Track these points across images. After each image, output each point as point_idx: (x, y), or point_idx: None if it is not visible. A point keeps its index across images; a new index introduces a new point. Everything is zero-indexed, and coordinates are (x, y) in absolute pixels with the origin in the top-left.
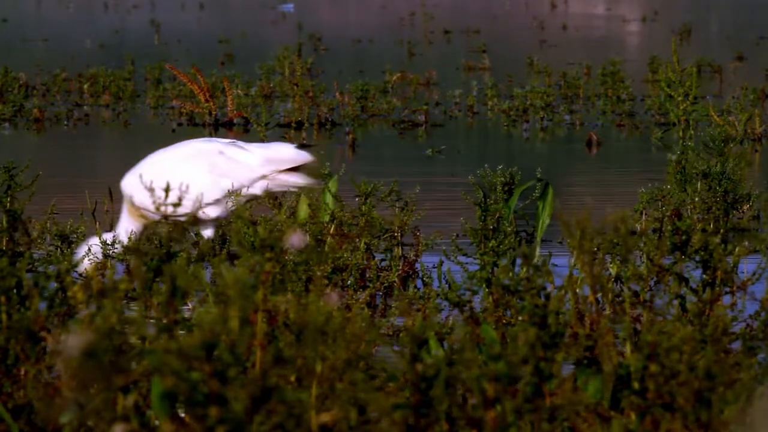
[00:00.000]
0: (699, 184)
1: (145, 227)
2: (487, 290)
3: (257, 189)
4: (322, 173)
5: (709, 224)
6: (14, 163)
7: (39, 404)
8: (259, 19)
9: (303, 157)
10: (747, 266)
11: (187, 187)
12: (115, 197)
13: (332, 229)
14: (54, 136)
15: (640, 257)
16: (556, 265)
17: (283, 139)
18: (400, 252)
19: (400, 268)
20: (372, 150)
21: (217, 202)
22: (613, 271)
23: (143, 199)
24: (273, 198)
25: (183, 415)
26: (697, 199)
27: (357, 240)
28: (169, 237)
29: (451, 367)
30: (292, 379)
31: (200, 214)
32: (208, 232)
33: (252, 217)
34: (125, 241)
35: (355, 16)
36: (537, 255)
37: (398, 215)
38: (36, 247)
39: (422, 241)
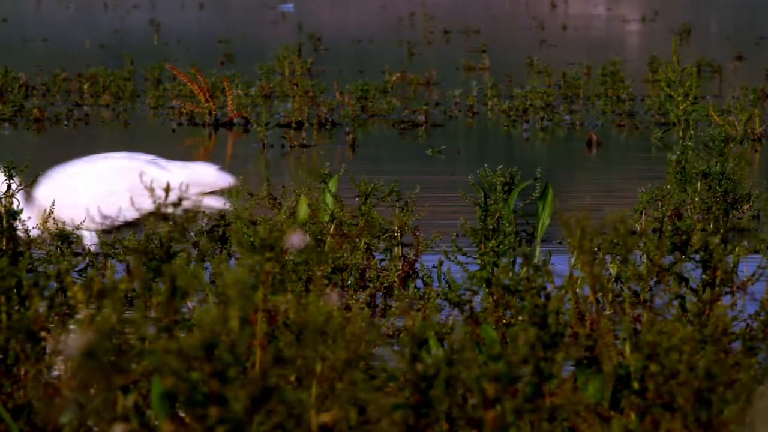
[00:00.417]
0: (699, 184)
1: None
2: (487, 290)
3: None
4: (322, 173)
5: (709, 224)
6: (14, 163)
7: (39, 404)
8: (259, 19)
9: (224, 180)
10: (747, 266)
11: (105, 206)
12: None
13: (332, 229)
14: (54, 136)
15: (640, 257)
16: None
17: (283, 138)
18: (400, 252)
19: (400, 268)
20: (372, 150)
21: (130, 221)
22: (613, 271)
23: (60, 214)
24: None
25: (183, 415)
26: (697, 199)
27: (357, 240)
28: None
29: (451, 367)
30: (292, 379)
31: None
32: (92, 242)
33: (252, 217)
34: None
35: (355, 16)
36: (537, 255)
37: (398, 215)
38: (36, 247)
39: (422, 241)
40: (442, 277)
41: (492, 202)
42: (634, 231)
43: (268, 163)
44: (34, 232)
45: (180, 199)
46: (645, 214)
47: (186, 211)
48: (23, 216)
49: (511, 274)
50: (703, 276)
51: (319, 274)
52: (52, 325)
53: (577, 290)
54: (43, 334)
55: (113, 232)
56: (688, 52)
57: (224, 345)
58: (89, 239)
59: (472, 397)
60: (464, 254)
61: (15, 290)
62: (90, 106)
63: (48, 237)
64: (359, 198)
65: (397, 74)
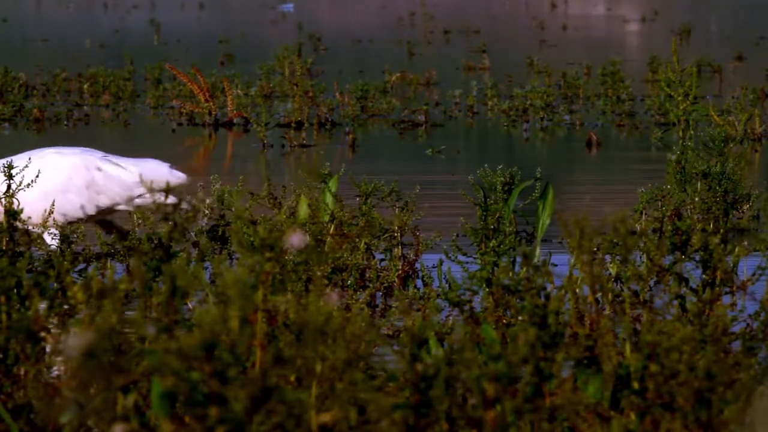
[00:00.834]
0: (699, 184)
1: None
2: (487, 290)
3: (126, 206)
4: (322, 173)
5: (709, 224)
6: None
7: (39, 404)
8: (259, 19)
9: (176, 177)
10: (747, 266)
11: (62, 201)
12: None
13: (332, 229)
14: (54, 136)
15: (640, 257)
16: (555, 265)
17: (283, 138)
18: (400, 252)
19: (400, 268)
20: (372, 150)
21: (84, 216)
22: (613, 271)
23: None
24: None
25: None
26: (697, 199)
27: (357, 240)
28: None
29: (451, 367)
30: (292, 379)
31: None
32: (54, 241)
33: (252, 217)
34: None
35: (355, 16)
36: (537, 255)
37: (398, 215)
38: (36, 247)
39: (422, 241)
40: (443, 277)
41: (492, 202)
42: (634, 231)
43: (268, 163)
44: None
45: (134, 197)
46: (645, 214)
47: (138, 206)
48: None
49: (511, 274)
50: (703, 276)
51: (319, 274)
52: (52, 326)
53: (577, 290)
54: (43, 334)
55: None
56: (688, 52)
57: (224, 345)
58: (50, 238)
59: (472, 397)
60: (464, 254)
61: (15, 290)
62: (90, 106)
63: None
64: (359, 198)
65: (397, 74)
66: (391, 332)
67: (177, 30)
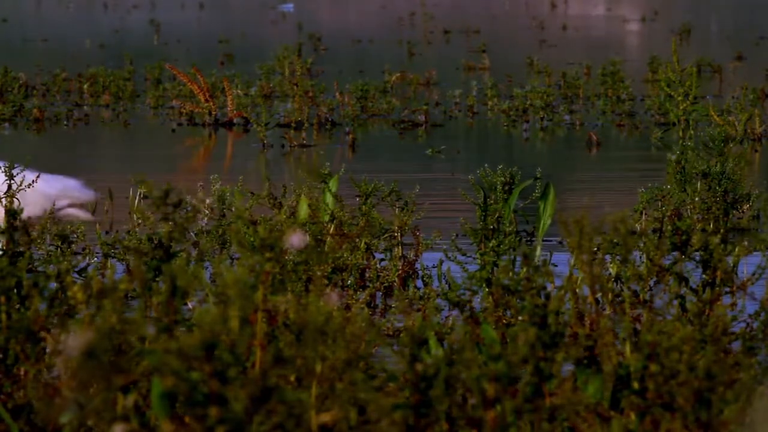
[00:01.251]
0: (699, 184)
1: None
2: (487, 290)
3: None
4: (322, 173)
5: (709, 224)
6: (14, 164)
7: (39, 404)
8: (259, 19)
9: (87, 194)
10: (747, 266)
11: None
12: (115, 197)
13: (332, 229)
14: (54, 136)
15: (640, 257)
16: (555, 265)
17: (283, 138)
18: (400, 252)
19: (400, 268)
20: (372, 150)
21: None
22: (613, 271)
23: None
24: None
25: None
26: (697, 199)
27: (357, 240)
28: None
29: (451, 367)
30: (292, 379)
31: None
32: None
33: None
34: None
35: (355, 16)
36: (538, 255)
37: (398, 215)
38: (36, 247)
39: (422, 241)
40: (442, 277)
41: (492, 202)
42: (634, 231)
43: (268, 163)
44: None
45: (52, 211)
46: (645, 214)
47: (55, 221)
48: None
49: (511, 274)
50: (703, 276)
51: (319, 274)
52: (52, 326)
53: (577, 290)
54: (43, 334)
55: None
56: (688, 52)
57: (224, 345)
58: None
59: (472, 397)
60: (464, 254)
61: (15, 290)
62: (90, 106)
63: None
64: (359, 198)
65: (397, 74)
66: (391, 332)
67: (177, 30)
